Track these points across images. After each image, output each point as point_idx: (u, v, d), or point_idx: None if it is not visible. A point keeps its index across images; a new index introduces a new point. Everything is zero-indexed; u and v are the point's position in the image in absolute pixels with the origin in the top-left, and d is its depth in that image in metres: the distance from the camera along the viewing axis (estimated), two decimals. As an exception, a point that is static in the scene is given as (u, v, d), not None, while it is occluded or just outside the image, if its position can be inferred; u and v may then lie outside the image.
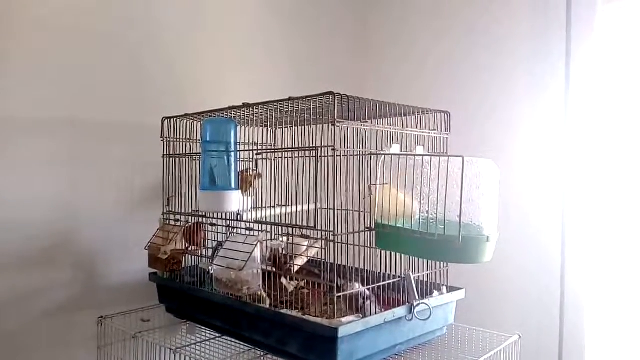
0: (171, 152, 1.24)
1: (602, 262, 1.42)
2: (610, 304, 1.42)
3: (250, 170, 1.08)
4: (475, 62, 1.64)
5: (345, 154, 0.90)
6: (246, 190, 1.07)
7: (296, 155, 0.97)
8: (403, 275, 0.99)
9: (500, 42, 1.58)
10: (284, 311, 0.93)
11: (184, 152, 1.24)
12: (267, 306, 0.96)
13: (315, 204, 1.02)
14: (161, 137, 1.24)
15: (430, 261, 1.06)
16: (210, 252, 1.15)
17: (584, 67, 1.43)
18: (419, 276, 1.03)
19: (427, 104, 1.08)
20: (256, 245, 0.96)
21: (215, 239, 1.16)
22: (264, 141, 1.26)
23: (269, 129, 1.28)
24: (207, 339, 1.09)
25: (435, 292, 1.04)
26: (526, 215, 1.51)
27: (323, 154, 0.89)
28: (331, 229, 0.87)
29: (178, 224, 1.21)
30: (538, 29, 1.52)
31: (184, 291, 1.18)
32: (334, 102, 0.86)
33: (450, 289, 1.08)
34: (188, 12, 1.44)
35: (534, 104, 1.52)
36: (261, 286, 0.98)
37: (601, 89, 1.42)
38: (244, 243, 0.97)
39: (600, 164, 1.42)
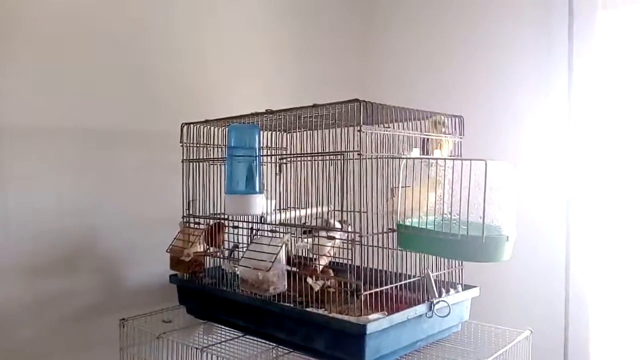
0: (190, 157, 1.27)
1: (605, 259, 1.48)
2: (614, 300, 1.47)
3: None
4: (479, 66, 1.68)
5: (370, 157, 0.94)
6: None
7: (320, 159, 1.00)
8: (422, 275, 1.02)
9: (504, 47, 1.63)
10: (310, 309, 0.97)
11: (203, 157, 1.27)
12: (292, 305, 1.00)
13: (334, 205, 1.06)
14: (180, 142, 1.27)
15: (444, 261, 1.10)
16: (228, 253, 1.19)
17: (585, 71, 1.48)
18: (436, 275, 1.07)
19: (431, 103, 1.11)
20: (281, 246, 0.99)
21: (236, 241, 1.19)
22: (283, 144, 1.29)
23: (290, 133, 1.32)
24: (231, 338, 1.12)
25: (452, 290, 1.08)
26: (531, 215, 1.56)
27: (347, 158, 0.93)
28: (357, 230, 0.91)
29: (198, 227, 1.24)
30: (541, 34, 1.57)
31: (205, 292, 1.21)
32: (360, 109, 0.90)
33: (465, 287, 1.12)
34: (199, 23, 1.48)
35: (537, 107, 1.57)
36: (286, 286, 1.01)
37: (602, 92, 1.48)
38: (269, 245, 1.01)
39: (603, 165, 1.47)
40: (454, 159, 0.91)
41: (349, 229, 0.97)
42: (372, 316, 0.89)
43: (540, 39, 1.57)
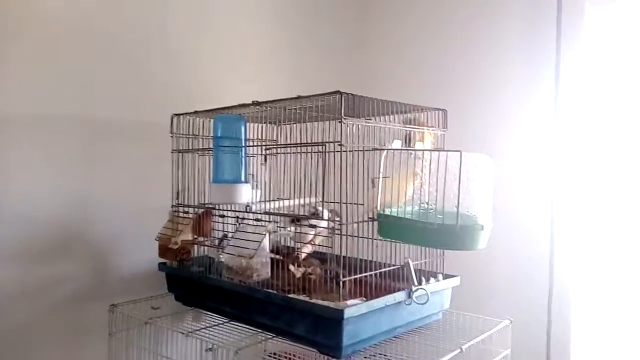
0: (180, 148, 1.30)
1: (588, 251, 1.51)
2: (596, 291, 1.51)
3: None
4: (468, 62, 1.71)
5: (351, 149, 0.96)
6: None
7: (303, 151, 1.03)
8: (403, 263, 1.05)
9: (494, 43, 1.66)
10: (292, 295, 0.99)
11: (192, 148, 1.29)
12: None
13: (316, 196, 1.08)
14: (170, 133, 1.30)
15: (426, 250, 1.12)
16: (217, 242, 1.21)
17: (572, 67, 1.51)
18: (416, 264, 1.10)
19: (422, 101, 1.14)
20: (265, 235, 1.02)
21: (224, 230, 1.22)
22: (270, 137, 1.32)
23: (276, 126, 1.34)
24: (216, 323, 1.15)
25: (432, 279, 1.11)
26: (516, 207, 1.58)
27: (329, 149, 0.95)
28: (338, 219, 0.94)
29: (187, 215, 1.26)
30: (529, 30, 1.59)
31: (193, 279, 1.23)
32: (341, 100, 0.92)
33: (446, 277, 1.15)
34: (196, 19, 1.50)
35: (525, 102, 1.60)
36: (269, 273, 1.04)
37: (589, 87, 1.50)
38: (253, 233, 1.03)
39: (588, 159, 1.50)
40: (431, 151, 0.93)
41: (337, 219, 1.00)
42: (350, 301, 0.92)
43: (529, 35, 1.59)
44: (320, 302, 0.94)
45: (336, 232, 0.95)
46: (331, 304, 0.91)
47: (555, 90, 1.53)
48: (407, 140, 1.08)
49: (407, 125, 1.06)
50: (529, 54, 1.59)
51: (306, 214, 1.07)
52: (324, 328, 0.93)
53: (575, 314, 1.51)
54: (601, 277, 1.50)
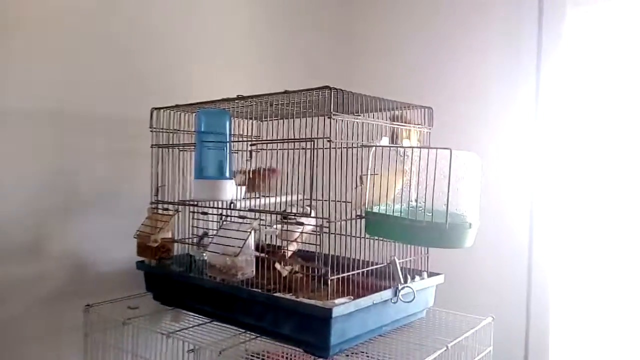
0: (160, 143, 1.26)
1: (566, 249, 1.54)
2: (574, 288, 1.54)
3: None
4: (452, 61, 1.72)
5: (340, 145, 0.95)
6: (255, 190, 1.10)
7: (291, 147, 1.01)
8: (389, 261, 1.05)
9: (477, 43, 1.67)
10: (278, 294, 0.97)
11: (172, 143, 1.25)
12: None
13: (304, 194, 1.07)
14: (150, 127, 1.26)
15: (411, 248, 1.12)
16: (197, 240, 1.18)
17: (553, 67, 1.53)
18: (401, 262, 1.09)
19: (408, 99, 1.13)
20: (250, 232, 1.00)
21: (205, 227, 1.19)
22: (256, 133, 1.29)
23: (262, 122, 1.32)
24: (198, 324, 1.12)
25: (417, 277, 1.11)
26: (497, 205, 1.60)
27: (317, 146, 0.94)
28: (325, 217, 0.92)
29: (167, 212, 1.23)
30: (511, 32, 1.61)
31: (173, 278, 1.20)
32: (330, 95, 0.91)
33: (430, 275, 1.15)
34: (179, 9, 1.46)
35: (506, 101, 1.62)
36: (254, 272, 1.02)
37: (568, 87, 1.53)
38: (238, 230, 1.01)
39: (568, 159, 1.53)
40: (420, 148, 0.93)
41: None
42: (338, 300, 0.91)
43: (511, 35, 1.61)
44: (307, 301, 0.92)
45: (324, 229, 0.93)
46: (319, 303, 0.90)
47: (536, 89, 1.56)
48: (394, 137, 1.07)
49: (394, 123, 1.06)
50: (511, 54, 1.61)
51: (294, 211, 1.06)
52: (311, 327, 0.92)
53: (554, 311, 1.54)
54: (579, 275, 1.53)
